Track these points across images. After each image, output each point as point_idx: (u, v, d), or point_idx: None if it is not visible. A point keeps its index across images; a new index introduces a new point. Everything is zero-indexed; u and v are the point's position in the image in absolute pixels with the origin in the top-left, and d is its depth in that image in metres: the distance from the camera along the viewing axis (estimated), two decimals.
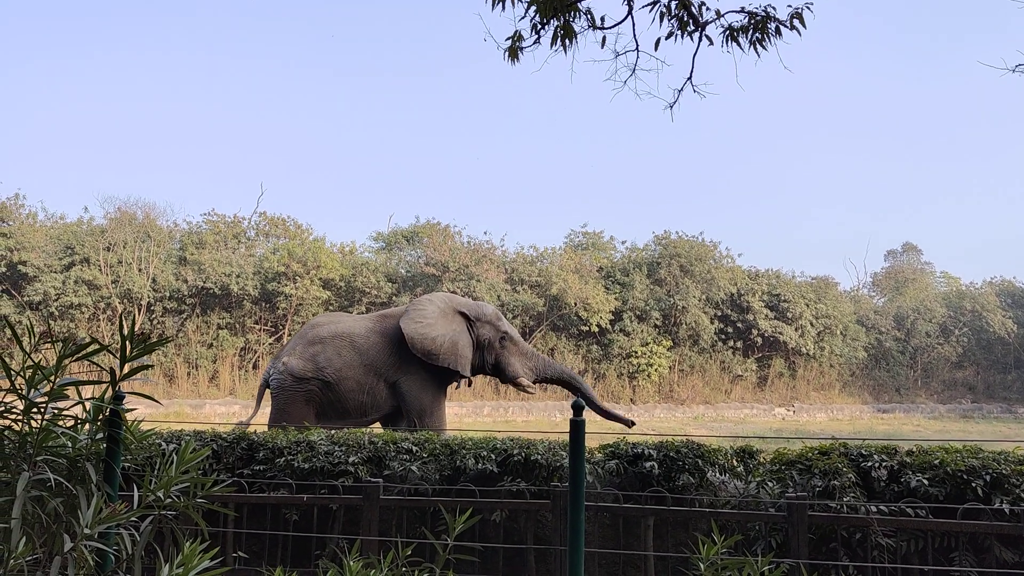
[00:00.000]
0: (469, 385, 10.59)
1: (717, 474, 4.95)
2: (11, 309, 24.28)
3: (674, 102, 4.72)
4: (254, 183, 71.34)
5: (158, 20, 55.77)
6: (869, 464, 4.57)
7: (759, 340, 29.93)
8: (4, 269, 24.38)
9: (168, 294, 25.67)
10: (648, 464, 4.79)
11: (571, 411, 2.91)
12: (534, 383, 10.17)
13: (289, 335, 26.17)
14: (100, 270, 25.03)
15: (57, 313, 24.55)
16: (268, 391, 9.62)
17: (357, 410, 9.26)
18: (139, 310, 25.47)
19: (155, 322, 25.71)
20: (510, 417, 25.67)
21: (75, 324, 24.76)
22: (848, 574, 4.26)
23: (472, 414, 25.39)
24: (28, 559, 2.75)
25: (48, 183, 52.87)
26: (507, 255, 29.31)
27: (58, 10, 53.53)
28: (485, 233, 48.33)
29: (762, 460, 4.98)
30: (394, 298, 26.44)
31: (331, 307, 26.95)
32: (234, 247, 27.58)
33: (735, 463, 4.96)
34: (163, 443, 5.12)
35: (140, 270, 25.78)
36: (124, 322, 3.01)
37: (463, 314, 9.83)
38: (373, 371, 9.33)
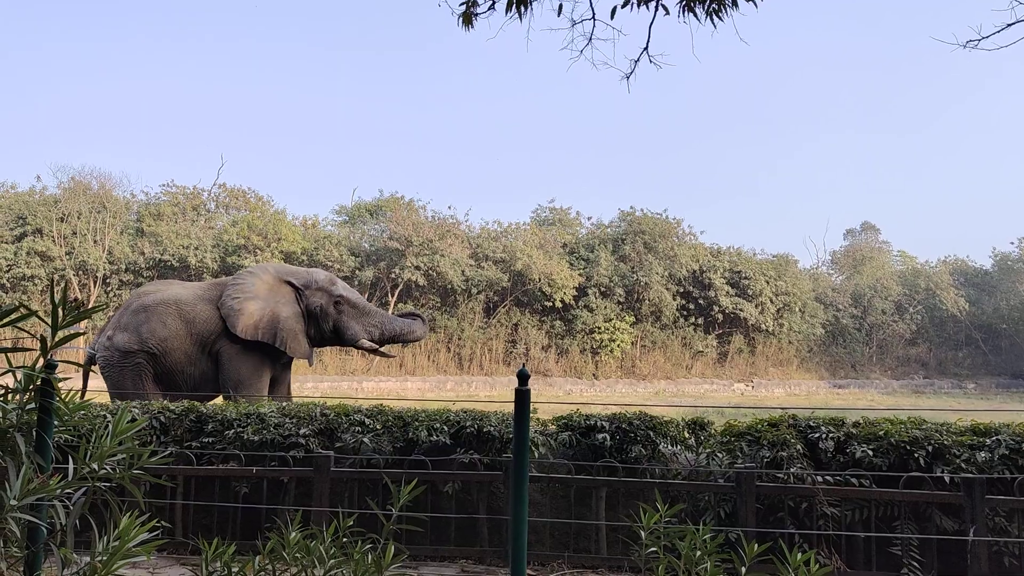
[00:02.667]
0: (310, 364, 10.02)
1: (669, 446, 4.99)
2: None
3: (630, 72, 4.67)
4: (214, 155, 70.01)
5: None
6: (817, 435, 4.64)
7: (720, 317, 30.25)
8: None
9: (124, 266, 25.15)
10: (601, 436, 4.81)
11: (519, 373, 2.87)
12: (379, 343, 9.81)
13: None
14: (54, 241, 24.43)
15: (9, 285, 23.93)
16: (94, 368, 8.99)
17: (187, 383, 8.73)
18: (94, 282, 24.93)
19: (111, 295, 25.19)
20: (473, 391, 25.71)
21: (28, 296, 24.17)
22: (794, 542, 4.33)
23: (435, 388, 25.39)
24: None
25: None
26: (472, 230, 29.20)
27: None
28: (449, 208, 48.12)
29: (713, 432, 5.02)
30: (357, 272, 26.21)
31: None
32: (193, 219, 27.08)
33: (687, 435, 5.00)
34: (106, 414, 5.01)
35: (95, 241, 25.20)
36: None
37: (290, 283, 9.37)
38: (200, 341, 8.79)
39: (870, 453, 4.47)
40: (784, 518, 4.39)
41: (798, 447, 4.54)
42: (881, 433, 4.58)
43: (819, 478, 4.37)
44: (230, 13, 56.98)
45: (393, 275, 26.34)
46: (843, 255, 40.75)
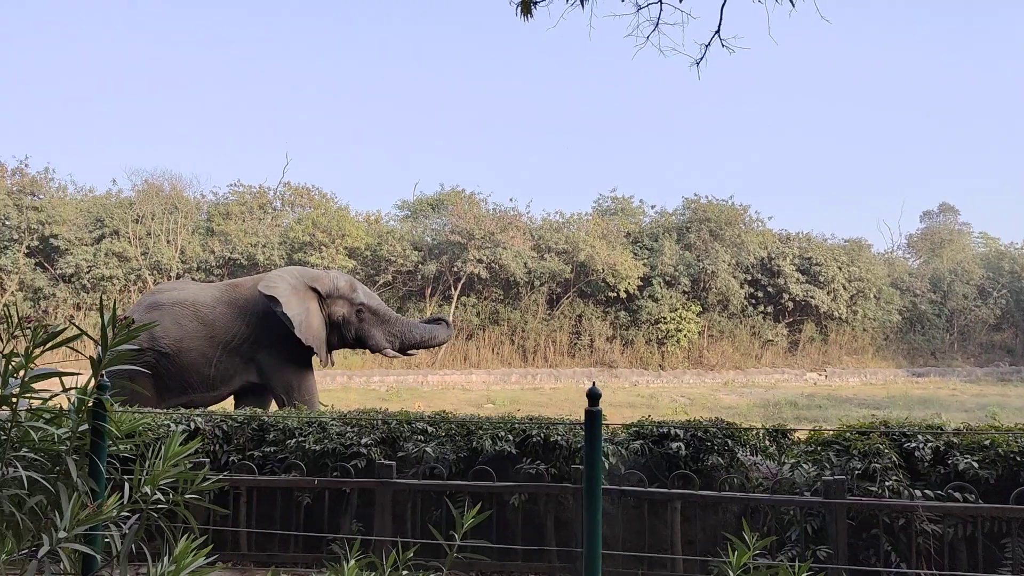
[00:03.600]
0: (330, 364, 9.95)
1: (748, 454, 4.69)
2: (45, 282, 24.54)
3: (701, 58, 4.38)
4: (279, 153, 71.40)
5: None
6: (913, 445, 4.27)
7: (790, 304, 29.37)
8: (37, 243, 24.60)
9: (196, 265, 25.77)
10: (675, 445, 4.54)
11: (589, 392, 2.64)
12: (401, 350, 9.73)
13: None
14: (130, 242, 25.17)
15: (89, 285, 24.76)
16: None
17: (203, 384, 8.67)
18: (168, 281, 25.61)
19: None
20: (537, 384, 25.54)
21: (107, 296, 24.98)
22: (890, 561, 4.00)
23: (500, 381, 25.30)
24: (10, 558, 2.60)
25: (76, 156, 53.34)
26: (533, 222, 28.95)
27: None
28: (511, 200, 48.02)
29: (796, 440, 4.70)
30: (420, 266, 26.28)
31: (357, 275, 26.90)
32: (260, 217, 27.57)
33: (767, 443, 4.68)
34: (171, 424, 4.98)
35: (168, 241, 25.88)
36: (104, 307, 2.80)
37: (315, 291, 9.33)
38: (221, 344, 8.73)
39: (975, 465, 4.10)
40: (879, 535, 4.05)
41: (892, 457, 4.19)
42: (987, 442, 4.19)
43: (918, 493, 4.01)
44: (282, 14, 57.84)
45: (455, 268, 26.32)
46: (920, 238, 39.12)
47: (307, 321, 8.90)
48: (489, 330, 27.20)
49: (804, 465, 4.37)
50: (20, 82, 50.34)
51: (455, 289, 26.83)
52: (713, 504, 4.45)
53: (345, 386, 23.60)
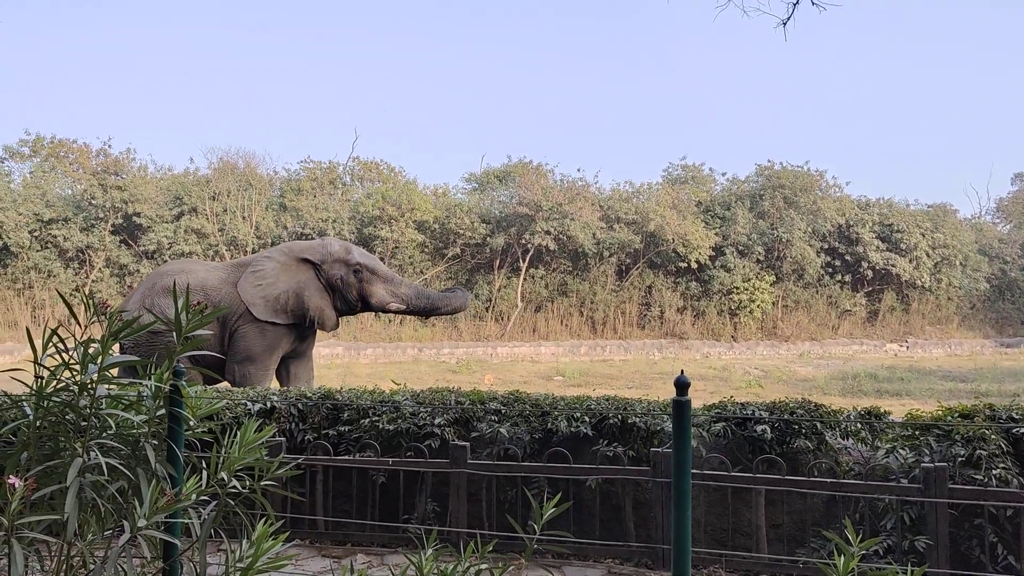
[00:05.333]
0: (334, 327, 9.96)
1: (838, 438, 4.45)
2: (129, 259, 25.47)
3: (788, 17, 4.09)
4: (348, 128, 72.21)
5: None
6: (1022, 430, 3.98)
7: (869, 273, 28.32)
8: (120, 220, 25.50)
9: (271, 240, 26.33)
10: (760, 428, 4.34)
11: (677, 381, 2.48)
12: (413, 313, 9.76)
13: None
14: (207, 219, 25.85)
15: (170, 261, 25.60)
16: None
17: (213, 365, 8.77)
18: (244, 256, 26.27)
19: None
20: (607, 356, 25.35)
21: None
22: (996, 554, 3.74)
23: (569, 353, 25.20)
24: (93, 542, 2.62)
25: (156, 136, 55.03)
26: (602, 192, 28.55)
27: None
28: (579, 170, 47.29)
29: (890, 424, 4.44)
30: (488, 239, 26.27)
31: (426, 248, 27.05)
32: (330, 193, 27.94)
33: (859, 426, 4.43)
34: (249, 403, 5.02)
35: (244, 218, 26.49)
36: (177, 293, 2.77)
37: (306, 260, 9.31)
38: (229, 325, 8.90)
39: None
40: (983, 526, 3.79)
41: (999, 443, 3.90)
42: None
43: None
44: None
45: (524, 241, 26.21)
46: (1011, 202, 37.06)
47: (296, 293, 9.03)
48: (558, 302, 27.07)
49: (901, 451, 4.12)
50: (103, 65, 52.08)
51: (523, 261, 26.74)
52: (799, 489, 4.24)
53: (416, 358, 23.88)
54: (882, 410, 4.49)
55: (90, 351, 2.63)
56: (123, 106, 50.98)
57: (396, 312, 9.83)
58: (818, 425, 4.36)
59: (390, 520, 4.75)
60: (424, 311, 9.84)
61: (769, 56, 60.19)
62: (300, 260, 9.36)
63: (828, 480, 4.04)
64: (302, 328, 9.39)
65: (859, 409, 4.53)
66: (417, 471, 4.70)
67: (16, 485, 2.23)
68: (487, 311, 26.76)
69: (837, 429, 4.44)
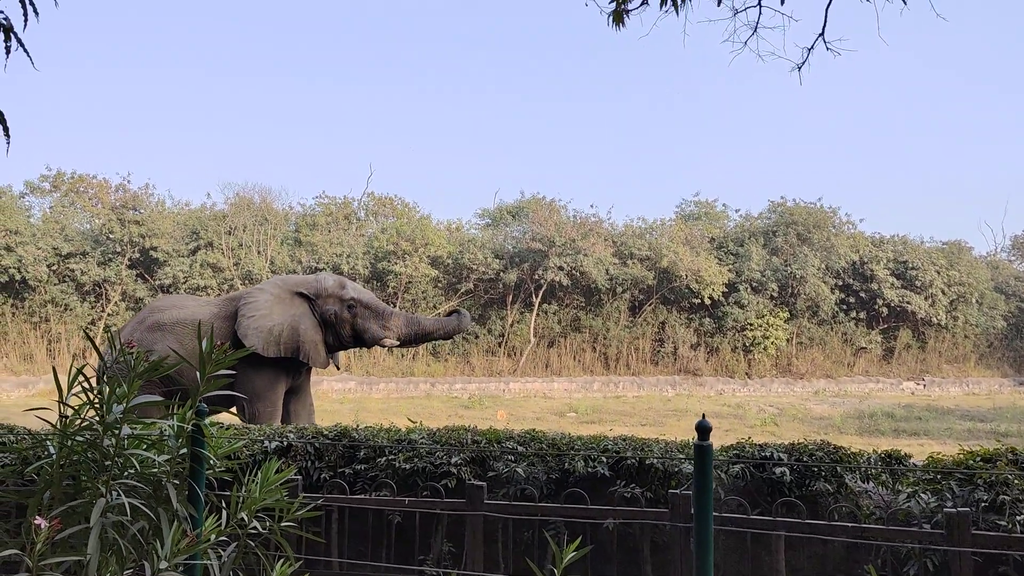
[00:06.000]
0: (338, 368, 9.92)
1: (858, 481, 4.40)
2: (145, 292, 25.67)
3: (803, 62, 4.15)
4: (363, 164, 72.98)
5: (263, 6, 57.49)
6: None
7: (884, 310, 28.16)
8: (138, 255, 25.77)
9: (285, 275, 26.51)
10: (779, 470, 4.31)
11: (699, 425, 2.48)
12: (404, 342, 9.59)
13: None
14: (223, 253, 26.08)
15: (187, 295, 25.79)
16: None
17: (221, 401, 8.58)
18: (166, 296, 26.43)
19: None
20: (620, 392, 25.22)
21: None
22: None
23: (582, 389, 25.09)
24: None
25: (174, 171, 55.81)
26: (615, 228, 28.65)
27: (166, 2, 56.00)
28: (592, 206, 47.72)
29: (912, 467, 4.39)
30: (501, 274, 26.34)
31: (440, 284, 27.13)
32: (345, 228, 28.17)
33: (879, 469, 4.39)
34: (265, 441, 5.03)
35: (259, 252, 26.71)
36: (202, 333, 2.81)
37: (300, 294, 9.26)
38: None
39: None
40: (1008, 574, 3.73)
41: (1023, 488, 3.85)
42: None
43: None
44: (369, 27, 59.07)
45: (536, 276, 26.27)
46: None
47: (292, 326, 8.97)
48: (571, 337, 27.04)
49: (923, 495, 4.07)
50: (124, 102, 53.04)
51: (536, 297, 26.78)
52: (819, 534, 4.19)
53: (428, 394, 23.83)
54: (903, 453, 4.45)
55: (116, 391, 2.67)
56: (142, 142, 51.85)
57: (390, 347, 9.78)
58: (838, 468, 4.32)
59: (405, 561, 4.72)
60: (417, 339, 9.77)
61: (782, 93, 60.62)
62: (294, 294, 9.31)
63: (850, 525, 3.99)
64: (297, 363, 9.32)
65: (879, 452, 4.49)
66: (433, 512, 4.68)
67: (42, 525, 2.25)
68: (500, 346, 26.75)
69: (857, 472, 4.39)
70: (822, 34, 4.00)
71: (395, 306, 26.28)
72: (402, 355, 26.05)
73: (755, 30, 4.04)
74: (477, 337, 26.75)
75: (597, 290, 27.07)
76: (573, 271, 25.97)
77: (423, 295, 26.78)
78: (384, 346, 9.65)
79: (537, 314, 26.93)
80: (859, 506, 4.29)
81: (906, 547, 3.93)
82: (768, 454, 4.44)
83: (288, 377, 9.39)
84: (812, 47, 4.06)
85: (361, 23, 59.06)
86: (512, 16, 61.44)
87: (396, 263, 25.79)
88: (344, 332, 9.40)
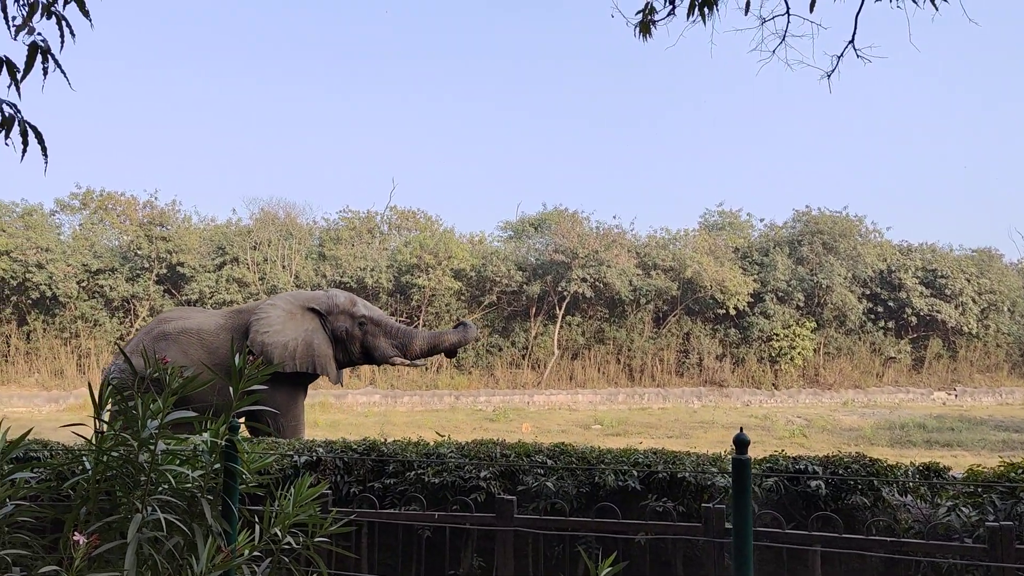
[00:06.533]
0: (340, 384, 9.96)
1: (896, 494, 4.32)
2: (172, 308, 25.97)
3: (832, 70, 4.11)
4: (386, 178, 73.51)
5: (286, 22, 58.19)
6: None
7: (913, 319, 27.78)
8: (165, 270, 26.08)
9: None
10: (814, 484, 4.24)
11: (737, 439, 2.44)
12: (412, 357, 9.61)
13: (424, 325, 26.61)
14: (248, 268, 26.32)
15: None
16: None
17: (205, 410, 8.60)
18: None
19: None
20: (645, 404, 25.05)
21: None
22: None
23: (606, 401, 24.96)
24: None
25: (200, 188, 56.47)
26: (638, 239, 28.56)
27: (191, 19, 56.88)
28: (614, 217, 47.61)
29: (950, 479, 4.30)
30: (524, 287, 26.32)
31: (463, 296, 27.17)
32: (368, 241, 28.33)
33: (918, 482, 4.30)
34: (295, 455, 5.04)
35: (284, 267, 26.92)
36: (234, 347, 2.82)
37: (313, 310, 9.31)
38: (223, 370, 8.78)
39: None
40: None
41: None
42: None
43: None
44: (389, 41, 59.56)
45: (560, 288, 26.23)
46: None
47: (306, 341, 9.01)
48: (595, 349, 26.94)
49: (963, 508, 3.98)
50: (150, 120, 53.86)
51: (560, 308, 26.73)
52: (856, 549, 4.11)
53: (452, 407, 23.83)
54: (941, 465, 4.36)
55: (151, 407, 2.68)
56: (169, 159, 52.57)
57: (399, 364, 9.83)
58: (875, 481, 4.24)
59: (437, 571, 4.70)
60: (424, 353, 9.82)
61: (804, 102, 60.21)
62: (306, 309, 9.36)
63: (888, 539, 3.91)
64: (309, 378, 9.39)
65: (917, 464, 4.40)
66: (463, 527, 4.66)
67: (80, 541, 2.26)
68: (523, 359, 26.70)
69: (895, 485, 4.31)
70: (852, 41, 3.96)
71: (419, 320, 26.37)
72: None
73: (783, 39, 4.01)
74: (501, 350, 26.74)
75: (621, 301, 26.97)
76: (596, 282, 25.90)
77: (446, 308, 26.83)
78: (393, 364, 9.73)
79: (561, 326, 26.87)
80: (897, 520, 4.21)
81: (947, 562, 3.84)
82: (802, 467, 4.38)
83: (304, 391, 9.47)
84: (842, 54, 4.02)
85: (384, 38, 59.60)
86: (534, 29, 61.67)
87: (419, 276, 25.87)
88: (354, 349, 9.47)
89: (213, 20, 57.27)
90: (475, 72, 59.15)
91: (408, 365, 9.85)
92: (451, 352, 10.11)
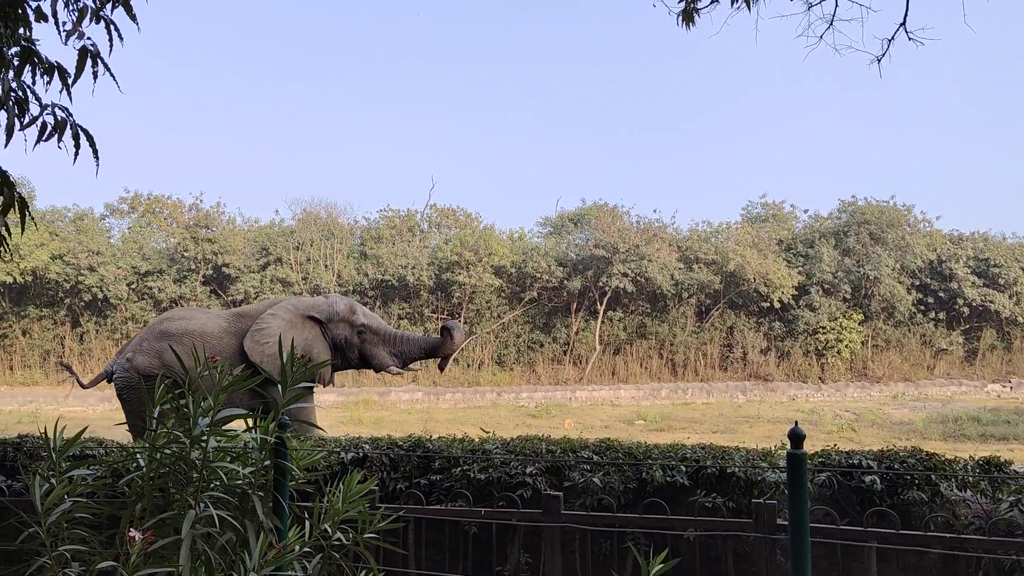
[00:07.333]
0: (332, 384, 10.12)
1: (954, 489, 4.19)
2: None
3: (883, 54, 3.99)
4: (425, 176, 73.91)
5: (324, 24, 58.80)
6: None
7: (965, 310, 27.07)
8: (211, 271, 26.59)
9: (352, 288, 26.96)
10: (868, 478, 4.13)
11: (792, 433, 2.38)
12: (404, 367, 9.77)
13: (465, 322, 26.71)
14: (291, 268, 26.68)
15: None
16: (112, 385, 9.15)
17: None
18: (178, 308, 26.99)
19: None
20: (689, 399, 24.80)
21: None
22: None
23: (649, 396, 24.77)
24: None
25: (244, 190, 57.39)
26: (679, 232, 28.27)
27: (230, 22, 57.78)
28: (655, 211, 47.24)
29: (1013, 473, 4.16)
30: (564, 282, 26.25)
31: (503, 293, 27.19)
32: (409, 240, 28.51)
33: (978, 476, 4.17)
34: (342, 452, 5.08)
35: (326, 266, 27.23)
36: (283, 347, 2.84)
37: (312, 318, 9.39)
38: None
39: None
40: None
41: None
42: None
43: None
44: (424, 40, 59.83)
45: (601, 283, 26.10)
46: None
47: (305, 349, 9.11)
48: (636, 344, 26.77)
49: None
50: (194, 125, 54.90)
51: (600, 304, 26.60)
52: (914, 545, 4.00)
53: (495, 403, 23.86)
54: (1002, 459, 4.22)
55: (202, 404, 2.72)
56: (212, 161, 53.50)
57: (396, 373, 9.93)
58: (932, 475, 4.12)
59: (483, 572, 4.70)
60: (421, 359, 9.98)
61: (847, 90, 58.97)
62: (306, 317, 9.48)
63: (947, 535, 3.80)
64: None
65: (976, 458, 4.27)
66: (509, 523, 4.64)
67: (136, 537, 2.30)
68: (565, 355, 26.64)
69: (954, 480, 4.18)
70: (903, 23, 3.84)
71: (459, 316, 26.46)
72: (468, 365, 26.19)
73: (831, 23, 3.90)
74: (542, 346, 26.72)
75: (663, 296, 26.74)
76: (637, 277, 25.72)
77: (487, 305, 26.88)
78: (391, 373, 9.85)
79: (602, 321, 26.74)
80: (956, 515, 4.09)
81: (1010, 559, 3.72)
82: (856, 461, 4.27)
83: (310, 395, 9.65)
84: (893, 37, 3.90)
85: (421, 37, 59.92)
86: (571, 24, 61.40)
87: (460, 273, 25.96)
88: (352, 355, 9.64)
89: (252, 23, 58.17)
90: (512, 70, 59.14)
91: (400, 373, 9.98)
92: (445, 361, 10.13)
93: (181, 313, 9.86)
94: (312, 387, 9.59)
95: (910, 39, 3.86)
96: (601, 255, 25.91)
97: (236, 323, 9.44)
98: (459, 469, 4.83)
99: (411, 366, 10.09)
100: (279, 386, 2.66)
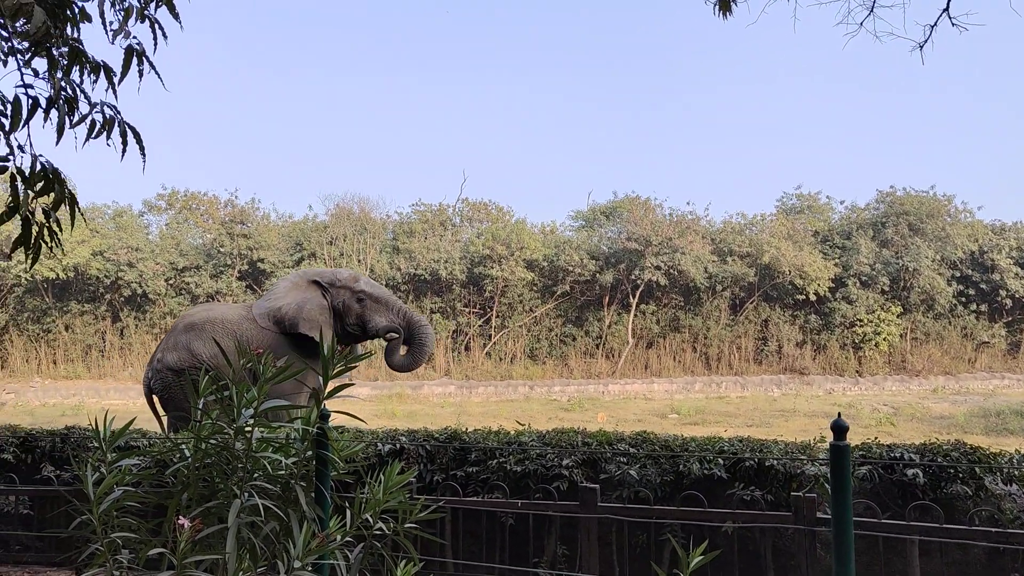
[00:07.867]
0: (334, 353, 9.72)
1: (999, 483, 4.12)
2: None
3: (925, 40, 3.92)
4: (457, 170, 74.09)
5: (355, 18, 59.12)
6: None
7: (1008, 302, 26.49)
8: (246, 267, 26.96)
9: (384, 282, 27.16)
10: (910, 472, 4.08)
11: (835, 424, 2.36)
12: (401, 336, 9.75)
13: (497, 316, 26.75)
14: (325, 263, 26.93)
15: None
16: (156, 397, 9.16)
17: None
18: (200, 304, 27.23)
19: None
20: (723, 393, 24.61)
21: None
22: None
23: (683, 390, 24.62)
24: None
25: (278, 186, 58.03)
26: (713, 225, 28.00)
27: (260, 19, 58.33)
28: (688, 204, 46.90)
29: None
30: (597, 276, 26.17)
31: (536, 287, 27.18)
32: (441, 234, 28.62)
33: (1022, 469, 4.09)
34: (379, 444, 5.13)
35: (359, 261, 27.45)
36: (323, 339, 2.88)
37: (315, 282, 9.64)
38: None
39: None
40: None
41: None
42: None
43: None
44: (453, 32, 59.86)
45: (633, 276, 25.97)
46: None
47: (298, 304, 9.27)
48: (670, 337, 26.60)
49: None
50: (227, 121, 55.61)
51: (633, 297, 26.48)
52: (958, 539, 3.94)
53: (527, 396, 23.90)
54: None
55: (245, 396, 2.77)
56: (247, 158, 54.17)
57: (391, 340, 9.85)
58: (976, 469, 4.05)
59: (520, 563, 4.72)
60: (410, 329, 9.87)
61: (886, 76, 57.84)
62: (310, 281, 9.76)
63: (992, 529, 3.73)
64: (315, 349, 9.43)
65: (1022, 452, 4.19)
66: (546, 514, 4.66)
67: (185, 525, 2.35)
68: (598, 348, 26.57)
69: (999, 474, 4.11)
70: (947, 8, 3.77)
71: (492, 310, 26.52)
72: (500, 358, 26.23)
73: (871, 9, 3.84)
74: (575, 339, 26.67)
75: (696, 289, 26.53)
76: (671, 270, 25.54)
77: (519, 298, 26.90)
78: (388, 340, 9.82)
79: (635, 315, 26.62)
80: (1001, 510, 4.02)
81: None
82: (898, 455, 4.21)
83: (314, 373, 9.61)
84: (935, 23, 3.83)
85: (452, 30, 59.96)
86: (604, 16, 61.02)
87: (492, 267, 26.00)
88: (350, 320, 9.73)
89: (285, 20, 58.68)
90: (543, 63, 58.94)
91: (398, 337, 9.79)
92: (392, 363, 10.05)
93: (204, 306, 10.19)
94: (304, 369, 9.52)
95: (953, 24, 3.79)
96: (634, 248, 25.78)
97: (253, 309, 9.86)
98: (495, 461, 4.86)
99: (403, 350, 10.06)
100: (277, 347, 2.66)
